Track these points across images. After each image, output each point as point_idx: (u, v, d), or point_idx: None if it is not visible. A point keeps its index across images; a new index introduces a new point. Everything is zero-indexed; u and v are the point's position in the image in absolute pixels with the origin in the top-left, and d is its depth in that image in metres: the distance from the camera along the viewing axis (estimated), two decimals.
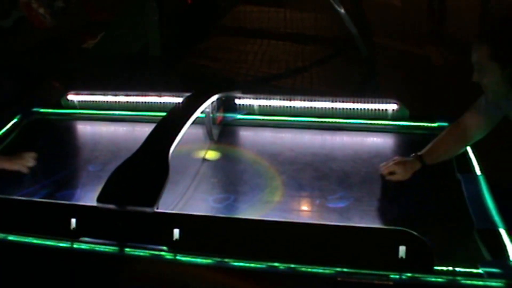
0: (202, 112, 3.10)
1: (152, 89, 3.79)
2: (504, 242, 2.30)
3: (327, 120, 3.47)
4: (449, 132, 2.91)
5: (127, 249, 2.20)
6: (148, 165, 2.49)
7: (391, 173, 2.81)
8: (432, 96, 5.97)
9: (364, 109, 3.45)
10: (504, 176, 2.97)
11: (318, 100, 3.52)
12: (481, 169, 2.83)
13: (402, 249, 2.06)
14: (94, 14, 9.72)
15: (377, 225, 2.50)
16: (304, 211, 2.76)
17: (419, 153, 2.84)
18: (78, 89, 3.92)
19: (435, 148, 2.86)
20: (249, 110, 3.60)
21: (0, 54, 7.90)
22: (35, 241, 2.29)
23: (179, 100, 3.26)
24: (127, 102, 3.78)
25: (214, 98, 3.27)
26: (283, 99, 3.56)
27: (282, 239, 2.18)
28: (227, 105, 3.55)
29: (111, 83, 4.71)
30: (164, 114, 2.97)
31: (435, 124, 3.33)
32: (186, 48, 8.87)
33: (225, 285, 2.17)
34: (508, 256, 2.21)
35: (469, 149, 2.97)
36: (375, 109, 3.44)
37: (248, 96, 3.61)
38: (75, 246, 2.26)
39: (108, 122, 3.74)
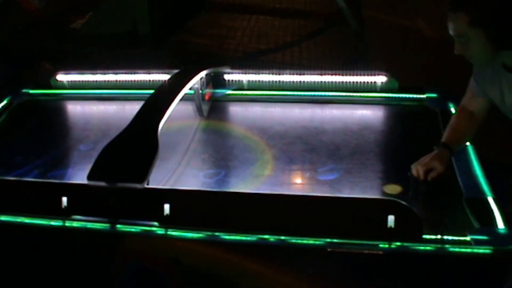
0: (191, 89, 3.10)
1: (141, 67, 3.79)
2: (492, 210, 2.32)
3: (316, 93, 3.47)
4: (459, 116, 2.82)
5: (118, 226, 2.22)
6: (138, 142, 2.49)
7: (429, 170, 2.60)
8: (422, 68, 5.97)
9: (354, 81, 3.46)
10: (492, 145, 2.98)
11: (307, 74, 3.52)
12: (470, 139, 2.84)
13: (391, 219, 2.07)
14: None
15: (366, 196, 2.51)
16: (295, 184, 2.77)
17: (443, 142, 2.71)
18: (67, 69, 3.91)
19: (455, 134, 2.75)
20: (238, 85, 3.60)
21: None
22: (27, 220, 2.30)
23: (168, 77, 3.26)
24: (116, 80, 3.78)
25: (203, 74, 3.27)
26: (272, 74, 3.56)
27: (273, 211, 2.20)
28: (216, 80, 3.55)
29: (100, 62, 4.69)
30: (152, 91, 2.97)
31: (424, 96, 3.34)
32: (175, 25, 8.84)
33: (216, 259, 2.19)
34: (495, 224, 2.23)
35: None
36: (365, 82, 3.45)
37: (237, 71, 3.61)
38: (66, 224, 2.27)
39: (98, 101, 3.74)
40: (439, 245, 2.08)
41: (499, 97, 2.62)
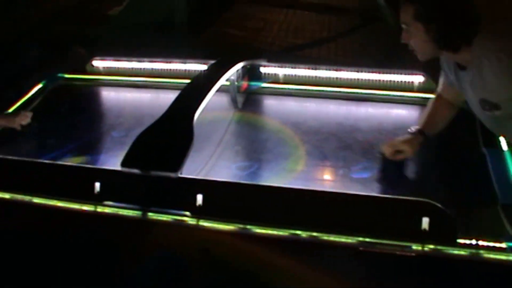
0: (227, 80, 3.09)
1: (177, 56, 3.79)
2: None
3: (352, 90, 3.44)
4: (436, 103, 2.88)
5: (150, 214, 2.22)
6: (173, 131, 2.49)
7: (398, 151, 2.71)
8: None
9: (390, 80, 3.42)
10: None
11: (344, 70, 3.49)
12: (507, 144, 2.80)
13: (425, 221, 2.04)
14: None
15: (400, 196, 2.48)
16: (327, 180, 2.75)
17: (418, 127, 2.77)
18: (103, 55, 3.93)
19: (431, 120, 2.82)
20: (274, 78, 3.58)
21: (26, 20, 7.95)
22: (60, 203, 2.31)
23: (204, 67, 3.26)
24: (152, 68, 3.79)
25: (239, 66, 3.26)
26: (308, 68, 3.54)
27: (305, 207, 2.18)
28: (252, 73, 3.54)
29: (136, 50, 4.70)
30: (188, 81, 2.96)
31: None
32: (212, 16, 8.85)
33: (246, 252, 2.17)
34: None
35: None
36: (402, 81, 3.41)
37: (273, 64, 3.59)
38: (98, 209, 2.27)
39: (133, 89, 3.75)
40: (473, 250, 2.05)
41: (462, 91, 2.65)
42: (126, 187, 2.29)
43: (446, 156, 2.83)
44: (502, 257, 2.04)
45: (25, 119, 3.15)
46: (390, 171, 2.71)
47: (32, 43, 6.95)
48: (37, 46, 6.85)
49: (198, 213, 2.19)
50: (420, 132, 2.73)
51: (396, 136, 3.02)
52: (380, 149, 2.72)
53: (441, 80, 2.83)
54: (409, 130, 2.74)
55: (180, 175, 2.24)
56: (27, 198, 2.36)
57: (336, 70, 3.51)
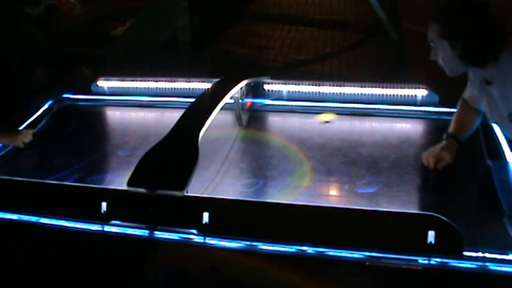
0: (231, 98, 3.11)
1: (181, 75, 3.81)
2: None
3: (356, 105, 3.45)
4: (462, 109, 2.98)
5: (157, 233, 2.22)
6: (178, 150, 2.50)
7: (438, 160, 2.77)
8: (462, 82, 5.91)
9: (394, 94, 3.43)
10: None
11: (347, 86, 3.51)
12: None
13: (431, 234, 2.05)
14: (124, 0, 9.78)
15: (406, 210, 2.48)
16: (333, 196, 2.76)
17: (450, 133, 2.86)
18: (108, 75, 3.95)
19: (461, 125, 2.91)
20: (278, 95, 3.60)
21: (32, 41, 8.00)
22: (67, 224, 2.32)
23: (208, 85, 3.27)
24: (157, 88, 3.81)
25: (243, 83, 3.28)
26: (312, 85, 3.55)
27: (311, 223, 2.18)
28: (256, 90, 3.56)
29: (140, 69, 4.73)
30: (193, 99, 2.98)
31: None
32: (215, 34, 8.89)
33: (254, 269, 2.18)
34: None
35: (500, 135, 2.94)
36: (405, 95, 3.42)
37: (277, 81, 3.61)
38: (105, 229, 2.28)
39: (138, 108, 3.77)
40: (480, 263, 2.04)
41: (486, 106, 2.79)
42: (133, 206, 2.30)
43: (451, 168, 2.83)
44: (509, 269, 2.03)
45: (27, 137, 3.23)
46: (394, 185, 2.72)
47: (38, 64, 7.00)
48: (42, 67, 6.90)
49: (204, 231, 2.20)
50: (453, 137, 2.84)
51: (401, 150, 3.03)
52: (422, 160, 2.80)
53: (469, 86, 2.94)
54: (443, 136, 2.85)
55: (186, 194, 2.25)
56: (34, 218, 2.37)
57: (340, 85, 3.52)
